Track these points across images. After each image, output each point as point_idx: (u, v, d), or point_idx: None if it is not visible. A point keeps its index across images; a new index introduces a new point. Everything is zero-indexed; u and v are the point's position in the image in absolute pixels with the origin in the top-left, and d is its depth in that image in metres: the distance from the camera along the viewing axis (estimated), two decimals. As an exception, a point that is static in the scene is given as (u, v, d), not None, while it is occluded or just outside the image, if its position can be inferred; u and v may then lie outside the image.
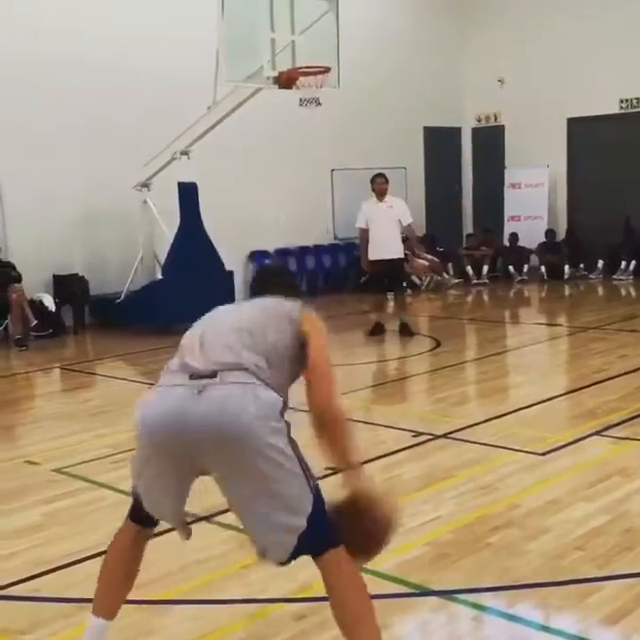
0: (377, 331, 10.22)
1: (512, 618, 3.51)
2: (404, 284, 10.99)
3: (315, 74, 9.51)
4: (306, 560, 4.06)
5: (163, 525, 4.46)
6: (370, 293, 10.83)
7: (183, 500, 3.05)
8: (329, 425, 3.10)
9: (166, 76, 11.77)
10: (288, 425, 2.88)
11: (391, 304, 11.65)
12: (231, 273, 11.51)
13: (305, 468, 2.85)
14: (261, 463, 2.71)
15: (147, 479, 3.03)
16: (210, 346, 2.92)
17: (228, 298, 11.27)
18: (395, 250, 10.03)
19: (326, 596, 2.92)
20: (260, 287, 3.45)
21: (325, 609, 3.56)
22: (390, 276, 10.17)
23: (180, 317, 10.75)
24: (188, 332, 3.10)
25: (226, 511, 4.63)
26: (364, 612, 2.90)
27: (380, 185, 10.10)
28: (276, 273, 3.80)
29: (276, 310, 3.17)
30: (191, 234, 10.92)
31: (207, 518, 4.60)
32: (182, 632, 3.46)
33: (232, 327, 3.02)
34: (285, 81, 9.57)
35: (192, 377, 2.80)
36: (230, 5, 9.31)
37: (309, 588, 3.77)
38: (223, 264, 11.33)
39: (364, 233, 10.12)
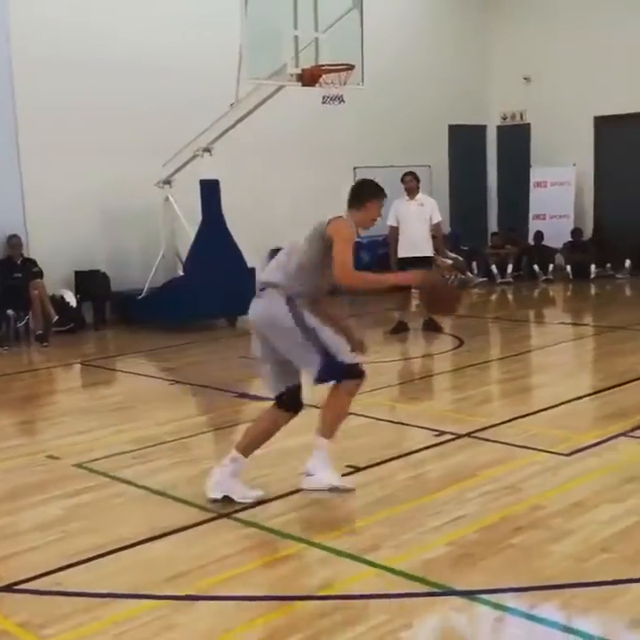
0: (400, 329, 10.17)
1: (536, 619, 3.45)
2: None
3: (338, 71, 9.46)
4: (327, 558, 4.05)
5: (183, 523, 4.48)
6: (393, 292, 10.77)
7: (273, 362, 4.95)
8: (353, 288, 5.26)
9: (189, 73, 11.77)
10: (302, 312, 4.76)
11: (415, 302, 11.58)
12: (252, 270, 11.47)
13: (312, 339, 4.67)
14: (280, 336, 4.79)
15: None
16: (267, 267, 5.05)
17: (250, 295, 11.24)
18: (424, 248, 10.06)
19: (349, 594, 3.57)
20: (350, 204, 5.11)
21: (347, 608, 3.53)
22: None
23: (201, 314, 10.99)
24: None
25: (247, 508, 4.65)
26: (329, 415, 4.82)
27: (409, 183, 10.16)
28: (353, 190, 5.21)
29: (314, 231, 4.96)
30: (213, 231, 10.91)
31: (228, 515, 4.59)
32: (204, 628, 3.44)
33: (282, 252, 5.08)
34: (308, 78, 9.53)
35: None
36: (254, 2, 9.28)
37: (331, 586, 3.74)
38: (245, 261, 11.30)
39: (395, 231, 10.15)
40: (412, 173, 10.28)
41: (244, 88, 9.97)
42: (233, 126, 10.50)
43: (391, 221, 10.13)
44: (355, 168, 14.42)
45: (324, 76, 9.54)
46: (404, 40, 14.85)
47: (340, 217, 4.89)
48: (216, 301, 10.73)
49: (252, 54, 9.44)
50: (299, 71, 9.57)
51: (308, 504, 4.72)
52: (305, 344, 4.66)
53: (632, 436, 5.73)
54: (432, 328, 10.12)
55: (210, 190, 10.92)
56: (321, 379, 4.69)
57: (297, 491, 4.88)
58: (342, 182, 14.15)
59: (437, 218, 10.17)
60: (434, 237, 10.26)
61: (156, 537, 4.33)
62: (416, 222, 10.01)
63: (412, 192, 10.13)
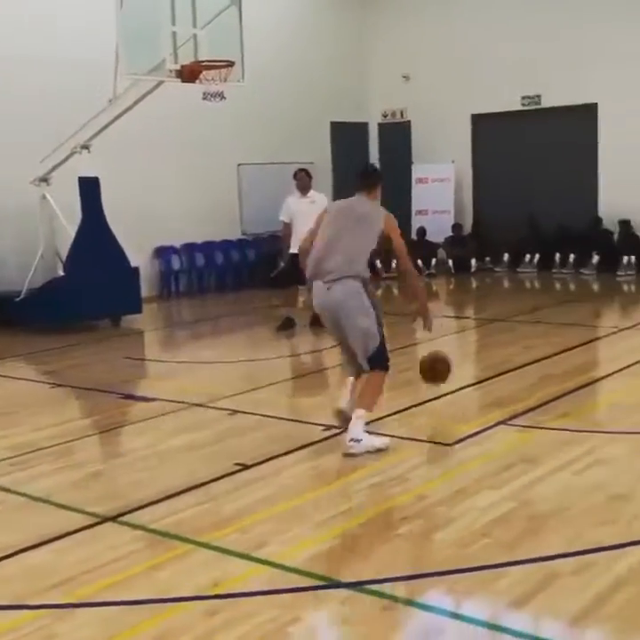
0: (287, 325, 10.21)
1: (422, 606, 3.54)
2: None
3: (218, 68, 9.40)
4: (215, 558, 4.03)
5: (67, 529, 4.37)
6: (280, 288, 10.84)
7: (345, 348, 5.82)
8: (406, 273, 5.96)
9: (66, 68, 11.44)
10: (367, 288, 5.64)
11: (302, 298, 11.65)
12: (136, 269, 11.30)
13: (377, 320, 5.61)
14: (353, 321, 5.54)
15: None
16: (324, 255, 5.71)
17: (134, 294, 11.10)
18: None
19: (237, 592, 3.59)
20: (360, 187, 5.89)
21: (236, 606, 3.53)
22: None
23: (84, 315, 10.73)
24: None
25: (134, 510, 4.58)
26: (369, 391, 5.52)
27: (302, 179, 10.20)
28: (367, 175, 6.04)
29: (362, 217, 5.72)
30: (93, 229, 10.67)
31: (114, 519, 4.50)
32: (86, 636, 3.36)
33: (327, 237, 5.73)
34: (188, 75, 9.43)
35: None
36: (130, -3, 9.13)
37: (219, 585, 3.72)
38: (128, 260, 11.11)
39: (287, 227, 10.17)
40: (304, 170, 10.32)
41: (122, 84, 9.78)
42: (112, 122, 10.27)
43: (283, 217, 10.16)
44: (239, 165, 14.39)
45: (204, 73, 9.47)
46: (284, 37, 14.88)
47: (380, 206, 5.88)
48: (99, 301, 10.50)
49: (130, 49, 9.27)
50: (178, 67, 9.47)
51: (196, 504, 4.68)
52: (371, 326, 5.54)
53: (510, 424, 5.92)
54: (319, 324, 10.16)
55: (89, 188, 10.67)
56: (373, 366, 5.51)
57: (185, 490, 4.84)
58: (226, 179, 14.22)
59: None
60: None
61: (39, 544, 4.21)
62: (308, 219, 9.98)
63: (304, 189, 10.16)
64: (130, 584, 3.78)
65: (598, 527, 4.16)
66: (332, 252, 5.61)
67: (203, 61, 9.53)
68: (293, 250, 10.13)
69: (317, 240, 5.79)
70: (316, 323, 10.21)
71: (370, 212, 5.79)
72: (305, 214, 10.05)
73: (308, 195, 10.15)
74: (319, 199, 10.24)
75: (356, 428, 5.38)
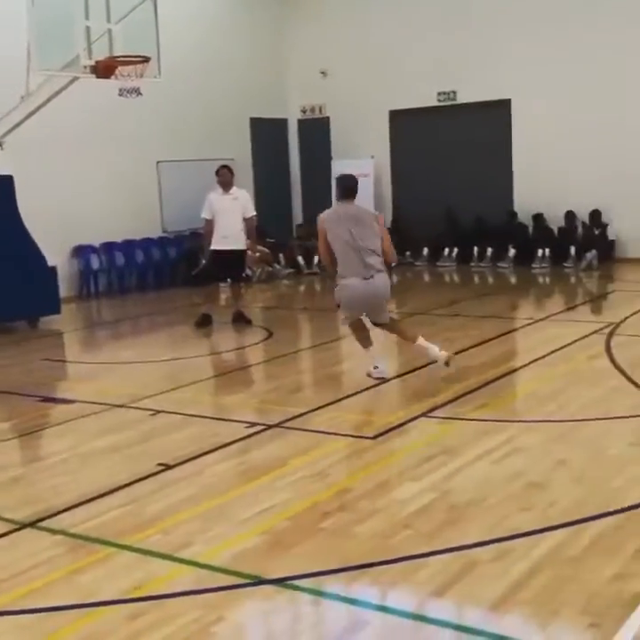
0: (204, 322, 10.16)
1: (347, 600, 3.58)
2: (243, 275, 11.01)
3: (134, 63, 9.29)
4: (138, 560, 3.99)
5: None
6: (201, 285, 10.78)
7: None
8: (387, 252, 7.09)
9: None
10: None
11: (223, 296, 11.61)
12: (54, 268, 11.08)
13: None
14: (384, 302, 7.33)
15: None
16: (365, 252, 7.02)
17: (52, 294, 10.88)
18: (238, 241, 10.07)
19: (160, 593, 3.59)
20: (350, 195, 7.13)
21: (159, 607, 3.51)
22: (230, 268, 10.20)
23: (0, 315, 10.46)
24: None
25: (54, 515, 4.51)
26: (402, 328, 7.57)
27: (224, 176, 10.11)
28: (353, 185, 7.18)
29: (367, 218, 7.09)
30: (8, 229, 10.41)
31: (33, 525, 4.43)
32: (7, 645, 3.31)
33: (357, 237, 6.94)
34: (103, 70, 9.30)
35: None
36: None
37: (142, 588, 3.70)
38: (45, 259, 10.89)
39: (209, 224, 10.10)
40: (226, 166, 10.23)
41: (34, 80, 9.57)
42: (25, 120, 10.05)
43: (205, 214, 10.08)
44: (158, 162, 14.23)
45: (119, 68, 9.35)
46: (201, 32, 14.77)
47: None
48: (15, 302, 10.25)
49: (43, 45, 9.09)
50: (92, 63, 9.32)
51: (118, 506, 4.63)
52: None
53: (431, 416, 6.03)
54: (242, 320, 10.18)
55: (3, 186, 10.41)
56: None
57: (106, 493, 4.79)
58: (146, 176, 14.06)
59: (251, 211, 10.17)
60: (248, 231, 10.28)
61: (-46, 554, 4.11)
62: (230, 215, 9.99)
63: (226, 185, 10.08)
64: (50, 590, 3.72)
65: (516, 514, 4.28)
66: (360, 253, 6.89)
67: (118, 57, 9.41)
68: (215, 246, 10.10)
69: (333, 247, 7.00)
70: (238, 319, 10.21)
71: (368, 214, 7.23)
72: (227, 211, 10.04)
73: (231, 191, 10.10)
74: (241, 195, 10.22)
75: (430, 346, 7.13)
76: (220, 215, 10.01)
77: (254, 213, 10.30)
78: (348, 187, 7.14)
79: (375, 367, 7.16)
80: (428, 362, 7.26)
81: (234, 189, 10.17)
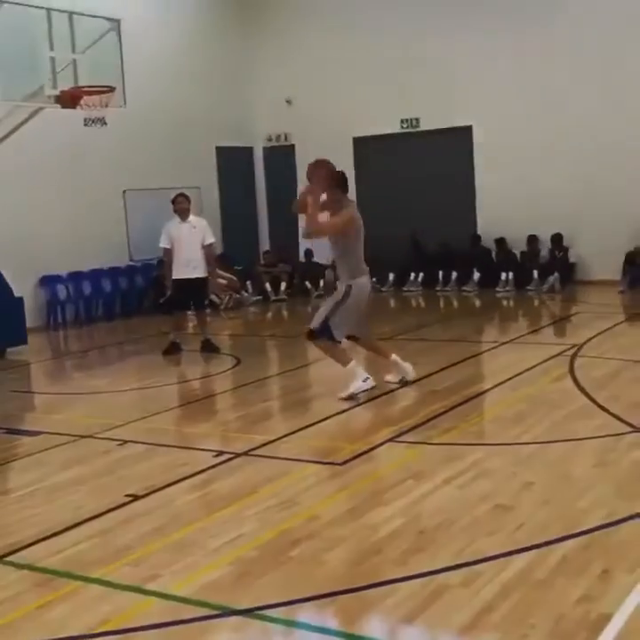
0: (172, 350, 10.14)
1: (317, 629, 3.57)
2: (206, 302, 11.02)
3: (99, 93, 9.33)
4: (106, 593, 3.96)
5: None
6: (168, 314, 10.77)
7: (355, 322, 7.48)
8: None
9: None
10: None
11: (191, 324, 11.59)
12: (20, 299, 11.02)
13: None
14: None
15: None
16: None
17: (18, 325, 10.81)
18: (198, 269, 10.09)
19: (128, 627, 3.57)
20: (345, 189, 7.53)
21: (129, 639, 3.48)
22: (193, 295, 10.23)
23: (-35, 347, 10.36)
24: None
25: (19, 549, 4.46)
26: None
27: (180, 204, 10.13)
28: (342, 176, 7.57)
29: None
30: (-26, 260, 10.37)
31: (-1, 559, 4.38)
32: (-27, 683, 3.26)
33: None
34: (68, 100, 9.34)
35: None
36: (4, 20, 8.95)
37: (110, 621, 3.67)
38: (11, 290, 10.84)
39: (168, 253, 10.10)
40: (182, 194, 10.26)
41: (-1, 110, 9.59)
42: (-10, 150, 10.05)
43: (164, 243, 10.10)
44: (124, 191, 14.23)
45: (84, 98, 9.38)
46: (167, 62, 14.85)
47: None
48: (-19, 333, 10.20)
49: (6, 75, 9.10)
50: (57, 93, 9.35)
51: (85, 538, 4.59)
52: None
53: (398, 441, 6.06)
54: (209, 349, 10.17)
55: (-32, 217, 10.39)
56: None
57: (73, 525, 4.76)
58: (112, 205, 14.04)
59: (210, 239, 10.22)
60: (207, 258, 10.30)
61: None
62: (190, 244, 10.03)
63: (183, 213, 10.11)
64: (17, 626, 3.67)
65: (483, 538, 4.30)
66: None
67: (83, 87, 9.44)
68: (176, 275, 10.08)
69: (359, 243, 7.46)
70: (206, 347, 10.20)
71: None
72: (186, 239, 10.02)
73: (188, 219, 10.11)
74: (199, 224, 10.19)
75: (404, 363, 7.71)
76: (179, 244, 10.00)
77: (213, 240, 10.36)
78: (346, 180, 7.61)
79: (366, 378, 7.33)
80: (398, 382, 7.67)
81: (191, 217, 10.18)
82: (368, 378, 7.32)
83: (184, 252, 10.01)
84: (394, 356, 7.71)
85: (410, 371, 7.69)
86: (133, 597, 3.89)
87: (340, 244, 7.44)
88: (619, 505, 4.61)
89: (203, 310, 10.61)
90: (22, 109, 9.63)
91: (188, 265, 9.98)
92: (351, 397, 7.25)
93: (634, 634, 3.33)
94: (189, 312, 11.22)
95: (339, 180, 7.43)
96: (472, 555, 4.10)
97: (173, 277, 10.11)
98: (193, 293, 10.17)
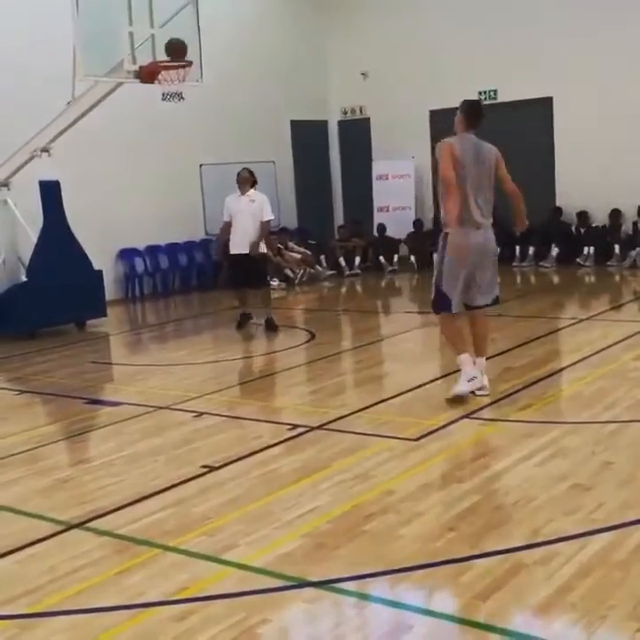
0: (244, 323, 10.16)
1: (390, 603, 3.57)
2: (269, 279, 10.75)
3: (176, 68, 9.38)
4: (183, 561, 4.03)
5: (33, 538, 4.35)
6: (234, 290, 10.55)
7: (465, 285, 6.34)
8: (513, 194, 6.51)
9: (23, 71, 11.32)
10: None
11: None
12: (100, 272, 11.24)
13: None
14: (490, 263, 6.46)
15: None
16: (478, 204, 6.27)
17: (98, 298, 11.05)
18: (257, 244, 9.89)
19: (206, 595, 3.67)
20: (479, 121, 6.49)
21: (205, 609, 3.55)
22: (250, 271, 9.94)
23: (48, 319, 10.64)
24: None
25: (100, 516, 4.57)
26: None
27: (241, 179, 9.95)
28: (480, 110, 6.61)
29: (489, 160, 6.38)
30: (56, 234, 10.59)
31: (80, 526, 4.49)
32: (56, 645, 3.36)
33: (478, 187, 6.29)
34: (147, 75, 9.40)
35: None
36: (86, -2, 9.07)
37: (188, 589, 3.73)
38: (91, 263, 11.06)
39: (226, 227, 9.98)
40: (246, 169, 10.05)
41: (81, 86, 9.72)
42: (71, 125, 10.21)
43: (225, 217, 9.96)
44: (201, 165, 14.35)
45: (162, 73, 9.44)
46: (243, 36, 14.86)
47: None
48: (63, 306, 10.44)
49: (88, 51, 9.21)
50: (136, 68, 9.43)
51: (162, 508, 4.68)
52: (494, 273, 6.42)
53: (473, 418, 5.99)
54: (270, 328, 9.96)
55: (50, 192, 10.60)
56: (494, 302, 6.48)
57: (151, 495, 4.85)
58: (189, 180, 14.18)
59: (267, 215, 9.89)
60: (276, 233, 10.12)
61: (3, 554, 4.19)
62: (247, 218, 9.78)
63: (243, 186, 9.89)
64: (98, 591, 3.77)
65: (561, 517, 4.23)
66: (477, 199, 6.21)
67: (161, 62, 9.50)
68: (233, 250, 9.90)
69: (460, 189, 6.10)
70: (268, 327, 9.95)
71: (491, 151, 6.46)
72: (244, 213, 9.73)
73: (248, 194, 9.89)
74: (259, 198, 9.88)
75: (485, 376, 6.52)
76: (237, 218, 9.82)
77: (271, 217, 10.00)
78: (475, 112, 6.50)
79: (471, 379, 6.34)
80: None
81: (251, 192, 9.92)
82: (474, 378, 6.33)
83: (240, 227, 9.82)
84: (480, 360, 6.49)
85: (481, 384, 6.42)
86: (210, 566, 3.95)
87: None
88: (703, 487, 4.48)
89: (261, 288, 10.26)
90: (103, 85, 9.74)
91: (244, 240, 9.78)
92: (456, 399, 6.32)
93: None
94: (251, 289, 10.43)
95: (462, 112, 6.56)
96: (549, 534, 4.04)
97: (231, 252, 9.98)
98: (249, 270, 9.89)
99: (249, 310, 10.32)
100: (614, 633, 3.22)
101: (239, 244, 9.85)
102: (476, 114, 6.46)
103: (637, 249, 13.51)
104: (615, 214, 14.01)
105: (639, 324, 8.98)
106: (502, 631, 3.28)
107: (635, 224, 13.88)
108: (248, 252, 9.82)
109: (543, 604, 3.41)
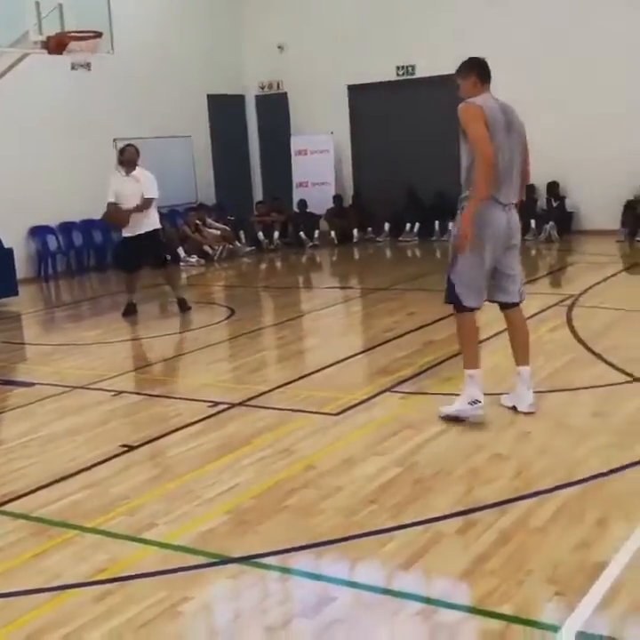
0: (130, 311, 9.74)
1: (313, 576, 3.57)
2: (166, 257, 10.14)
3: (85, 39, 9.12)
4: (102, 542, 3.94)
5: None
6: (126, 273, 10.01)
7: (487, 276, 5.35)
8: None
9: None
10: None
11: (184, 275, 11.49)
12: (10, 250, 10.92)
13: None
14: (516, 248, 5.43)
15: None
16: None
17: (9, 276, 10.73)
18: (146, 222, 9.42)
19: (125, 575, 3.60)
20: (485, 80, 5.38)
21: (125, 589, 3.48)
22: (148, 251, 9.57)
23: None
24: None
25: (15, 499, 4.44)
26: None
27: (127, 156, 9.43)
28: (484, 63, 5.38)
29: (520, 132, 5.44)
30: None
31: (-6, 509, 4.36)
32: (-30, 632, 3.25)
33: (512, 166, 5.30)
34: (55, 46, 9.12)
35: None
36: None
37: (107, 570, 3.66)
38: (1, 241, 10.73)
39: (113, 207, 9.46)
40: (131, 145, 9.56)
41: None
42: (-23, 98, 9.86)
43: (109, 197, 9.42)
44: (115, 139, 14.00)
45: (71, 44, 9.17)
46: (156, 7, 14.55)
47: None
48: (-29, 285, 10.13)
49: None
50: (43, 39, 9.13)
51: (80, 488, 4.58)
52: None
53: (394, 391, 6.03)
54: (182, 308, 9.70)
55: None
56: (522, 299, 5.50)
57: (69, 476, 4.74)
58: (103, 155, 13.84)
59: (151, 193, 9.29)
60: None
61: None
62: (133, 198, 9.29)
63: (129, 165, 9.39)
64: (12, 576, 3.67)
65: (481, 487, 4.29)
66: (510, 172, 5.18)
67: (69, 32, 9.23)
68: (123, 233, 9.55)
69: (494, 157, 5.00)
70: (180, 306, 9.74)
71: (517, 115, 5.29)
72: (128, 193, 9.25)
73: (133, 173, 9.38)
74: (143, 177, 9.38)
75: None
76: (123, 198, 9.31)
77: (156, 196, 9.42)
78: (484, 67, 5.33)
79: (475, 402, 5.20)
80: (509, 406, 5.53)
81: (137, 170, 9.41)
82: (478, 402, 5.19)
83: (128, 207, 9.33)
84: (524, 369, 5.43)
85: (527, 401, 5.38)
86: (129, 546, 3.88)
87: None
88: (615, 454, 4.60)
89: (164, 267, 9.89)
90: (8, 56, 9.42)
91: (134, 221, 9.32)
92: (451, 418, 5.27)
93: (629, 582, 3.33)
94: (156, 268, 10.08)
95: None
96: (469, 503, 4.09)
97: (123, 235, 9.56)
98: (145, 250, 9.53)
99: (135, 300, 9.87)
100: (533, 597, 3.28)
101: (130, 226, 9.40)
102: (488, 71, 5.35)
103: (551, 223, 13.80)
104: (529, 189, 14.25)
105: (553, 297, 9.17)
106: (425, 600, 3.31)
107: (547, 200, 14.18)
108: (143, 231, 9.39)
109: (464, 571, 3.46)
